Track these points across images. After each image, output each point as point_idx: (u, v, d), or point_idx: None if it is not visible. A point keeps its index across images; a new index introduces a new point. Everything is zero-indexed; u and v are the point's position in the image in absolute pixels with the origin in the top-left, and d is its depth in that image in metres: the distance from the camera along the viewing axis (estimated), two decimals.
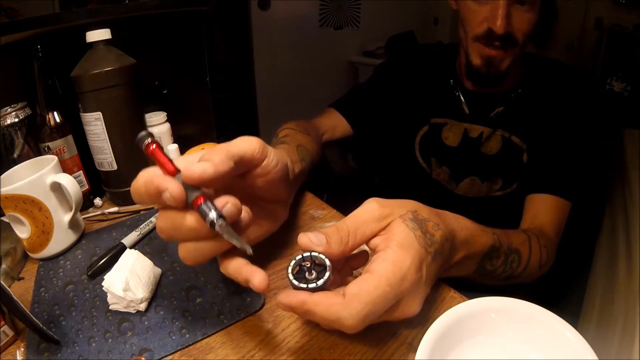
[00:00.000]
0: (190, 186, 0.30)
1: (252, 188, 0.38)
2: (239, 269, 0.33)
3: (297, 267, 0.32)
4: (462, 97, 0.75)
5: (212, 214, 0.29)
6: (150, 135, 0.33)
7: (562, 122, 0.68)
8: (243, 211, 0.32)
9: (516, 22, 0.61)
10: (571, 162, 0.67)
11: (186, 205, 0.30)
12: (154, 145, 0.33)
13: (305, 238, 0.33)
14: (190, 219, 0.30)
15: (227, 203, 0.30)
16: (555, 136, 0.68)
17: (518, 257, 0.51)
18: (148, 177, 0.30)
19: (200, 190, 0.30)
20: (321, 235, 0.33)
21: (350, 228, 0.34)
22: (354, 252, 0.35)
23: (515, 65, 0.68)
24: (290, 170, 0.46)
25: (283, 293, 0.31)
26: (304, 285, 0.31)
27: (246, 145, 0.35)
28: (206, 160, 0.31)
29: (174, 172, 0.31)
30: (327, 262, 0.32)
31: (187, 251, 0.32)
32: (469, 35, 0.66)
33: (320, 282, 0.31)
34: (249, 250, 0.32)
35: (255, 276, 0.32)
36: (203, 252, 0.32)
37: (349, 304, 0.29)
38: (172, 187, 0.29)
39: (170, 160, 0.32)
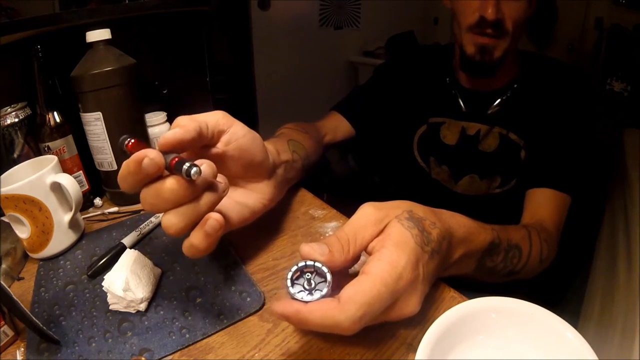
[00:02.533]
0: (166, 154, 0.32)
1: (226, 161, 0.41)
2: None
3: (298, 273, 0.32)
4: (458, 95, 0.75)
5: (187, 164, 0.31)
6: (129, 135, 0.36)
7: (559, 117, 0.69)
8: (218, 176, 0.34)
9: (507, 10, 0.63)
10: (569, 156, 0.68)
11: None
12: (132, 140, 0.35)
13: (308, 247, 0.33)
14: (169, 181, 0.31)
15: (202, 163, 0.32)
16: (553, 131, 0.69)
17: (519, 252, 0.51)
18: (129, 159, 0.32)
19: (175, 153, 0.32)
20: (323, 245, 0.33)
21: (349, 235, 0.34)
22: None
23: (509, 58, 0.69)
24: (274, 155, 0.48)
25: (277, 302, 0.31)
26: (299, 298, 0.31)
27: (210, 114, 0.39)
28: (175, 127, 0.35)
29: None
30: (329, 276, 0.31)
31: (170, 219, 0.32)
32: (462, 27, 0.68)
33: (315, 298, 0.31)
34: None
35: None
36: (185, 216, 0.32)
37: (345, 306, 0.29)
38: (150, 152, 0.31)
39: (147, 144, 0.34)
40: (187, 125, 0.35)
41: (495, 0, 0.62)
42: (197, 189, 0.32)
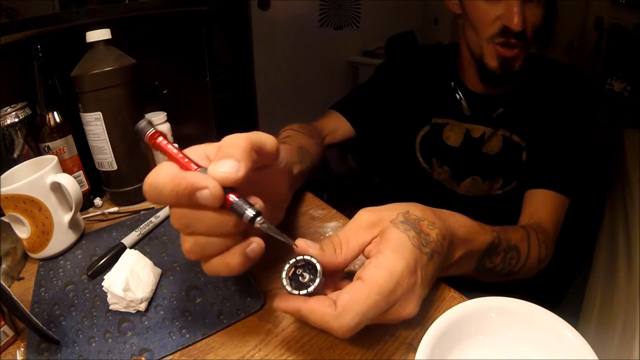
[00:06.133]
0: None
1: (254, 183, 0.38)
2: None
3: (292, 269, 0.33)
4: (463, 99, 0.75)
5: (250, 212, 0.29)
6: (151, 124, 0.32)
7: (560, 120, 0.69)
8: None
9: (529, 18, 0.61)
10: (569, 159, 0.68)
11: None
12: (161, 138, 0.32)
13: (303, 242, 0.33)
14: (225, 218, 0.29)
15: (257, 202, 0.30)
16: (554, 133, 0.69)
17: (517, 253, 0.51)
18: (177, 174, 0.29)
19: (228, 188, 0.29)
20: (317, 244, 0.33)
21: (341, 239, 0.34)
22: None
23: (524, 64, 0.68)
24: (289, 171, 0.46)
25: (279, 298, 0.32)
26: (296, 292, 0.31)
27: (267, 139, 0.33)
28: (231, 158, 0.29)
29: (195, 169, 0.30)
30: (319, 266, 0.32)
31: (196, 244, 0.31)
32: (482, 37, 0.65)
33: (310, 289, 0.31)
34: (292, 243, 0.32)
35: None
36: (213, 247, 0.31)
37: (340, 315, 0.30)
38: (212, 186, 0.28)
39: (187, 157, 0.31)
40: (246, 158, 0.29)
41: (520, 8, 0.59)
42: (241, 228, 0.30)
